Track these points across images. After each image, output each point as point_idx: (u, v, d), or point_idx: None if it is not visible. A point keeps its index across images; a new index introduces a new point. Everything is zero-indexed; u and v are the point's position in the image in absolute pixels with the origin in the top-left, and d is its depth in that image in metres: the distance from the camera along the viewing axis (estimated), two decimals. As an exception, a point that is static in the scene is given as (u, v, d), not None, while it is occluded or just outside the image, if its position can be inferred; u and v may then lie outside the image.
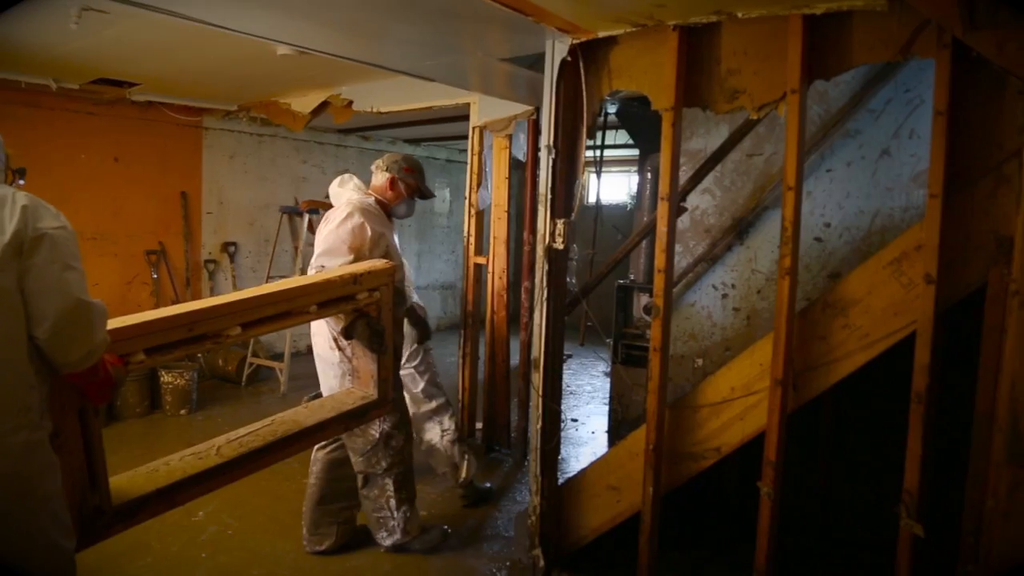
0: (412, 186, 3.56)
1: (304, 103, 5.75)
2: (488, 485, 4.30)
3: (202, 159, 6.78)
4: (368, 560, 3.47)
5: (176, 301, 6.50)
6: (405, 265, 3.60)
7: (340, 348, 3.26)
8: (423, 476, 4.12)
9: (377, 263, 3.07)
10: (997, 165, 2.38)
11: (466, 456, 4.09)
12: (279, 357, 6.43)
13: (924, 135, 3.09)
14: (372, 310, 3.02)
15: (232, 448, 2.79)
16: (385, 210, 3.51)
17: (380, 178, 3.55)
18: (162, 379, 5.49)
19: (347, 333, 3.08)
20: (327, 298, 2.82)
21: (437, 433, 4.08)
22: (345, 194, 3.47)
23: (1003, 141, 2.36)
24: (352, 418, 3.06)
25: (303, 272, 6.18)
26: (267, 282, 6.55)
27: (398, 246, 3.47)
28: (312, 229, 6.23)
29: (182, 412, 5.53)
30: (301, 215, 6.41)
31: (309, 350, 4.98)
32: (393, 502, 3.42)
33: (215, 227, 6.95)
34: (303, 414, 3.02)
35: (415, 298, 4.00)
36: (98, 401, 2.05)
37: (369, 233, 3.25)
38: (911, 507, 2.51)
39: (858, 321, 2.67)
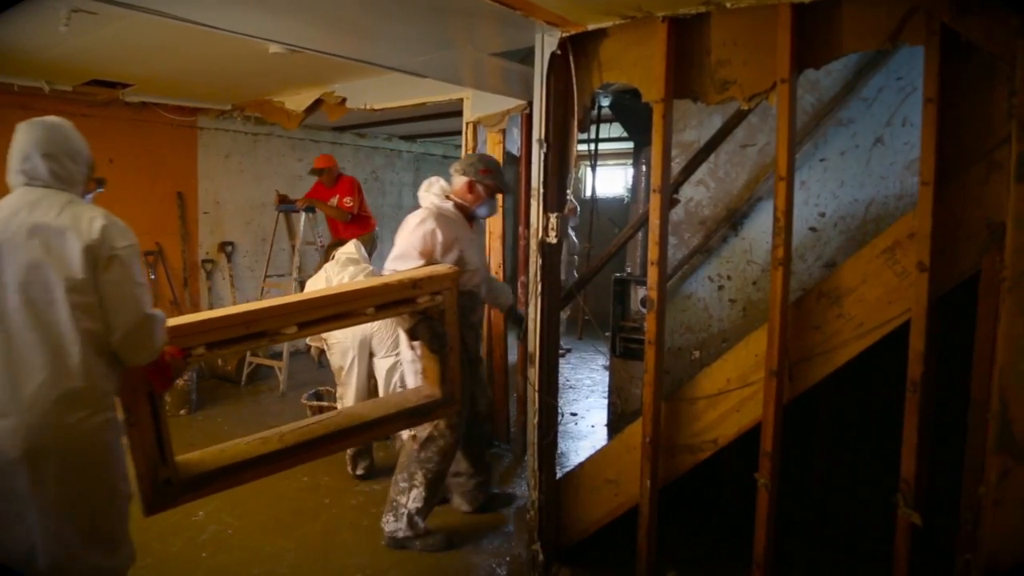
0: (491, 186, 3.60)
1: (298, 101, 5.74)
2: (499, 491, 4.17)
3: (197, 159, 6.77)
4: (368, 558, 3.48)
5: (174, 302, 6.51)
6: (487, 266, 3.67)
7: (412, 348, 3.43)
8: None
9: (440, 268, 3.16)
10: (988, 152, 2.37)
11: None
12: (278, 356, 6.43)
13: (917, 123, 3.07)
14: (434, 313, 3.11)
15: (295, 435, 2.97)
16: (465, 213, 3.58)
17: (458, 182, 3.61)
18: (161, 380, 5.49)
19: (411, 334, 3.20)
20: (385, 301, 2.96)
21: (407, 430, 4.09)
22: (427, 199, 3.58)
23: (994, 127, 2.35)
24: (415, 415, 3.19)
25: (300, 271, 6.19)
26: (264, 281, 6.56)
27: (482, 246, 3.49)
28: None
29: (181, 412, 5.53)
30: (298, 213, 6.41)
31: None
32: (413, 493, 3.47)
33: (212, 227, 6.95)
34: (368, 408, 3.21)
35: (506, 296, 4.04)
36: (160, 388, 2.39)
37: (440, 239, 3.35)
38: (908, 496, 2.50)
39: (853, 310, 2.67)
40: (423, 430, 3.47)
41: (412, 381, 3.53)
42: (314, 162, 6.54)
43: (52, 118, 2.36)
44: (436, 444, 3.46)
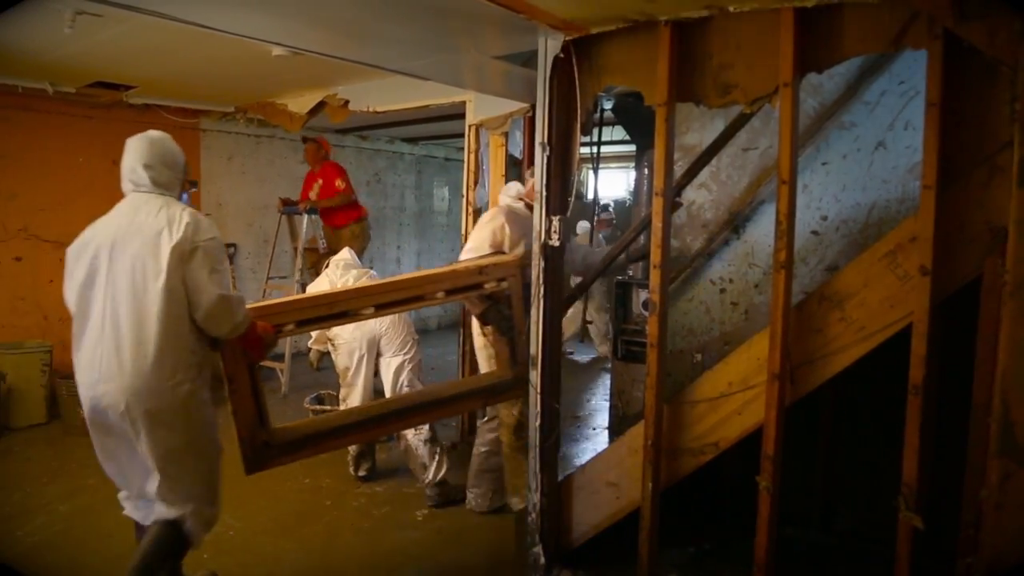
0: None
1: (301, 103, 5.76)
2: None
3: (200, 161, 6.79)
4: (369, 560, 3.48)
5: (176, 303, 6.50)
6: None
7: (485, 334, 3.68)
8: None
9: (505, 257, 3.41)
10: (991, 155, 2.37)
11: (436, 457, 4.08)
12: (280, 358, 6.43)
13: (919, 126, 3.06)
14: (500, 297, 3.40)
15: (376, 408, 3.28)
16: None
17: (530, 184, 3.77)
18: (163, 381, 5.49)
19: (483, 319, 3.52)
20: (455, 286, 3.28)
21: (411, 431, 4.10)
22: (503, 199, 3.96)
23: (996, 131, 2.35)
24: (486, 394, 3.45)
25: (302, 273, 6.20)
26: (267, 283, 6.57)
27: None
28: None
29: (183, 414, 5.53)
30: (300, 215, 6.41)
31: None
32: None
33: (215, 229, 6.95)
34: (443, 387, 3.58)
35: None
36: (256, 358, 2.93)
37: (508, 233, 3.66)
38: (910, 499, 2.50)
39: (854, 314, 2.67)
40: (511, 418, 3.75)
41: (484, 366, 3.75)
42: (332, 115, 6.05)
43: (153, 132, 2.83)
44: (524, 428, 3.57)
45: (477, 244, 3.66)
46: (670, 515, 3.16)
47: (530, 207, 3.67)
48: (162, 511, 2.69)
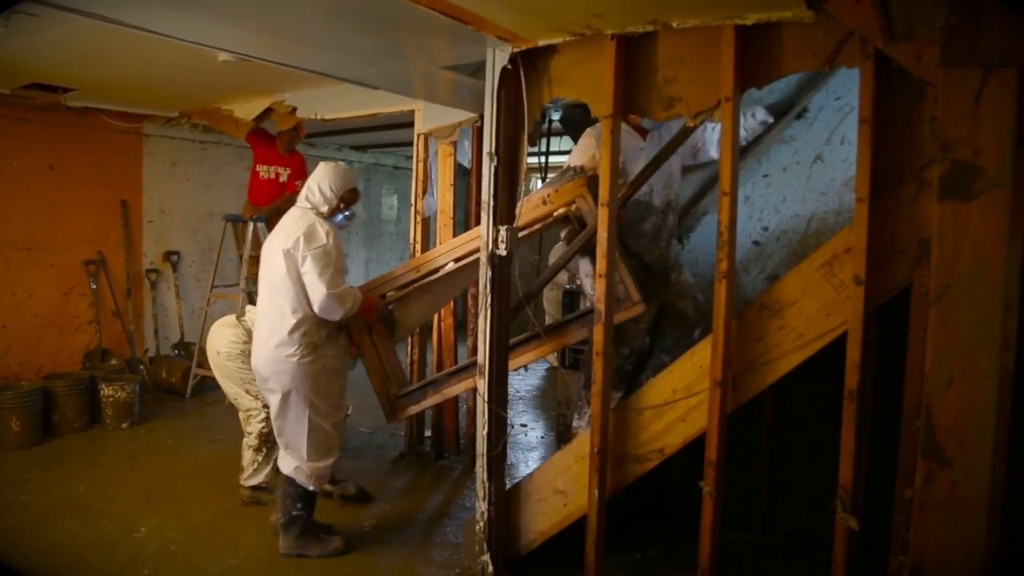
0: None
1: (247, 110, 5.67)
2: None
3: (143, 166, 6.63)
4: (317, 572, 3.44)
5: (117, 312, 6.35)
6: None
7: (590, 262, 3.46)
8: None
9: (568, 183, 3.46)
10: (919, 170, 2.47)
11: (255, 465, 4.09)
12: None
13: (855, 141, 3.19)
14: (574, 219, 3.52)
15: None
16: (641, 131, 3.68)
17: None
18: (102, 392, 5.35)
19: (569, 239, 3.65)
20: (525, 221, 3.44)
21: (245, 436, 4.18)
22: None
23: (924, 147, 2.46)
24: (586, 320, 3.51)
25: (247, 281, 6.08)
26: (211, 292, 6.44)
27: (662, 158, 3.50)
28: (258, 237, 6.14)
29: (123, 426, 5.39)
30: (246, 223, 6.30)
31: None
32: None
33: (157, 236, 6.81)
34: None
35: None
36: (370, 321, 3.67)
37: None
38: (846, 501, 2.59)
39: (793, 322, 2.75)
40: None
41: (589, 290, 3.66)
42: (280, 121, 5.91)
43: (332, 163, 3.52)
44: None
45: (570, 164, 3.60)
46: (617, 521, 3.20)
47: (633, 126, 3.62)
48: (280, 463, 3.52)
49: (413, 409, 3.67)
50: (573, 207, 3.46)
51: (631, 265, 3.42)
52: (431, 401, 3.70)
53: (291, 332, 3.31)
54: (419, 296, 3.83)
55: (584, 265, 3.63)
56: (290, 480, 3.46)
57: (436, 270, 3.72)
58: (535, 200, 3.46)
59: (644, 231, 3.58)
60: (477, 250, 3.34)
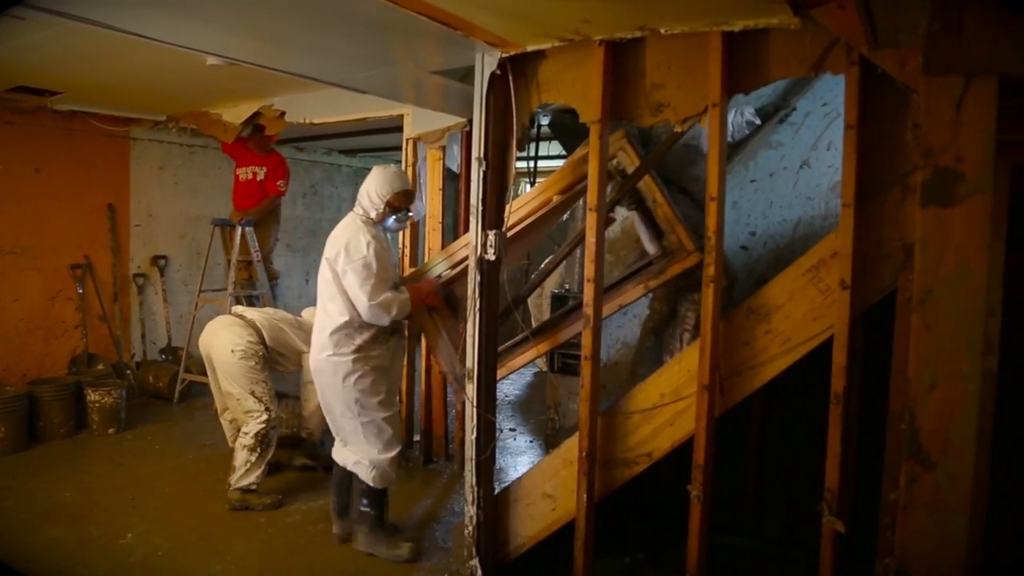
0: None
1: (235, 113, 5.66)
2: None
3: (130, 170, 6.59)
4: (304, 576, 3.43)
5: (103, 317, 6.31)
6: None
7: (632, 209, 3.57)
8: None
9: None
10: (904, 176, 2.50)
11: (247, 466, 4.10)
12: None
13: (841, 147, 3.23)
14: (618, 172, 3.44)
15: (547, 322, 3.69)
16: None
17: None
18: (89, 397, 5.31)
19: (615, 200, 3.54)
20: (567, 183, 3.41)
21: (240, 435, 4.18)
22: None
23: (908, 153, 2.48)
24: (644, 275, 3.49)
25: (235, 286, 6.06)
26: (199, 296, 6.41)
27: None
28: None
29: (110, 431, 5.36)
30: (233, 227, 6.28)
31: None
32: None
33: (144, 240, 6.77)
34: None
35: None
36: (436, 303, 3.76)
37: None
38: (832, 504, 2.60)
39: (780, 326, 2.77)
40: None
41: (648, 243, 3.63)
42: (268, 126, 5.88)
43: (384, 166, 3.54)
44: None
45: None
46: (605, 525, 3.21)
47: None
48: (336, 455, 3.63)
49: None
50: (614, 162, 3.41)
51: (680, 213, 3.34)
52: (503, 371, 3.64)
53: (332, 334, 3.42)
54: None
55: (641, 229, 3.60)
56: (353, 476, 3.56)
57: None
58: (573, 161, 3.36)
59: (695, 175, 3.53)
60: (528, 216, 3.36)
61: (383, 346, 3.53)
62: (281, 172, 6.19)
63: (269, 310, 4.84)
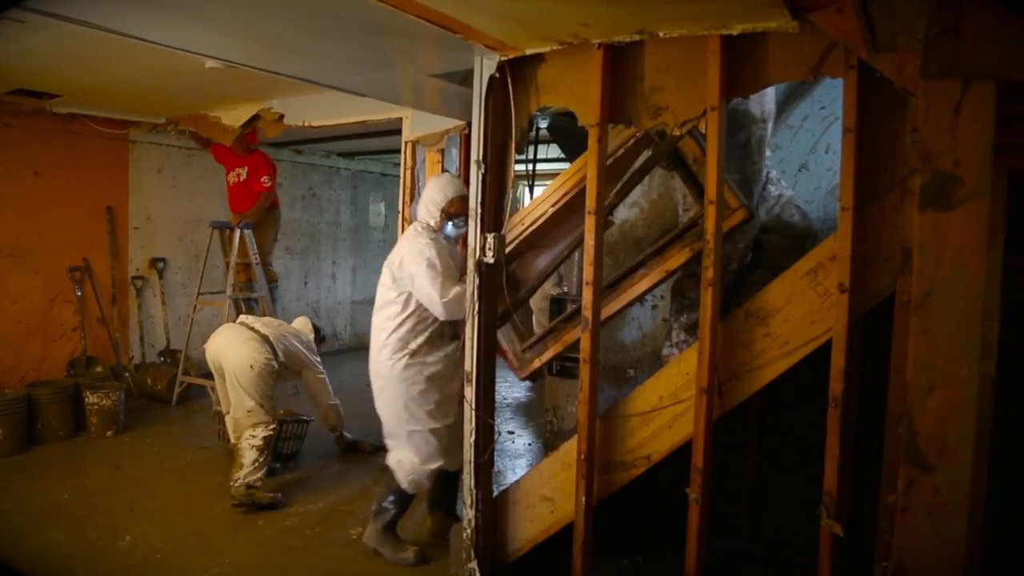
0: None
1: (234, 116, 5.67)
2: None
3: (129, 173, 6.60)
4: (302, 579, 3.43)
5: (102, 319, 6.31)
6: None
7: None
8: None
9: None
10: (902, 179, 2.51)
11: (255, 464, 4.11)
12: (211, 376, 6.26)
13: (839, 150, 3.23)
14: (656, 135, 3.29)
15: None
16: None
17: None
18: (87, 400, 5.31)
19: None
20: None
21: (245, 435, 4.18)
22: None
23: (907, 157, 2.49)
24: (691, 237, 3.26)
25: (234, 288, 6.06)
26: (198, 299, 6.41)
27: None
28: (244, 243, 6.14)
29: (108, 433, 5.35)
30: (232, 230, 6.28)
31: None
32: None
33: (143, 243, 6.78)
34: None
35: None
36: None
37: None
38: (831, 507, 2.60)
39: (779, 329, 2.77)
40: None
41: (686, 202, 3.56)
42: (267, 129, 5.82)
43: (436, 176, 3.83)
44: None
45: None
46: (604, 528, 3.21)
47: None
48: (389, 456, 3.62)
49: (537, 362, 3.62)
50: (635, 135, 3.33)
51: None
52: (552, 351, 3.62)
53: (388, 337, 3.49)
54: (534, 254, 3.76)
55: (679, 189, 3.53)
56: (391, 472, 3.58)
57: (539, 218, 3.59)
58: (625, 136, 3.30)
59: (739, 142, 3.38)
60: (569, 192, 3.34)
61: (438, 352, 3.53)
62: (263, 169, 6.19)
63: (272, 321, 4.92)
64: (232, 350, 4.31)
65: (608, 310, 3.30)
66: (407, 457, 3.53)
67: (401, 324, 3.47)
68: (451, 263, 3.49)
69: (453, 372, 3.56)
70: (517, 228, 3.51)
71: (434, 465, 3.55)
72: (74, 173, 6.15)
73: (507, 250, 3.51)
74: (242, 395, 4.23)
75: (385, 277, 3.55)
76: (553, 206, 3.50)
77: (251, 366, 4.24)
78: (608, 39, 2.84)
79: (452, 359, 3.57)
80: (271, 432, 4.22)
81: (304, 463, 4.98)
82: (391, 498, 3.58)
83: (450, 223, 3.57)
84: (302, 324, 5.04)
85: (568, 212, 3.51)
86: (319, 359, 4.95)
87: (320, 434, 5.25)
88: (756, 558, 3.70)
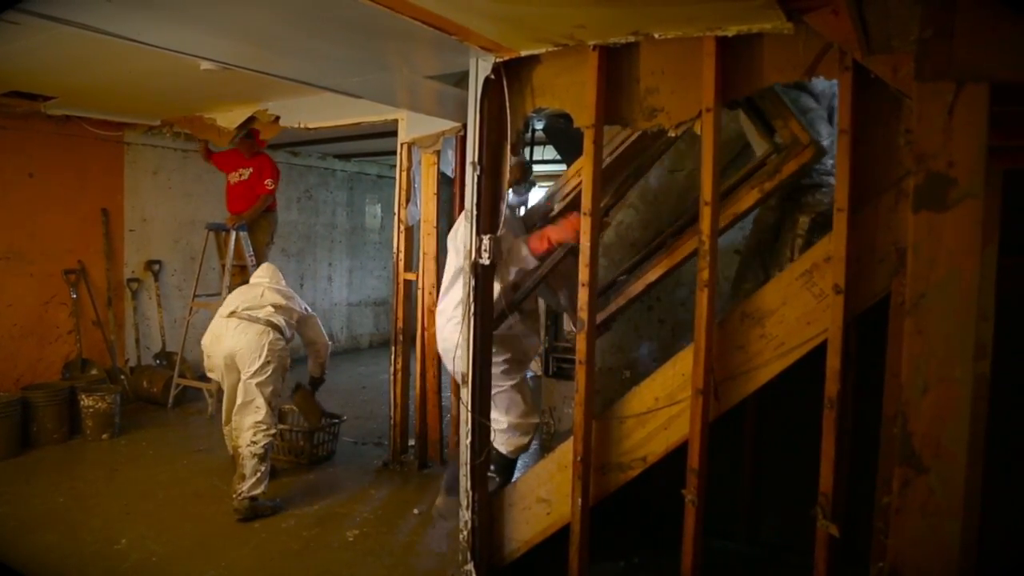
0: None
1: (230, 118, 5.66)
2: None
3: (124, 175, 6.59)
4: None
5: (97, 322, 6.30)
6: None
7: None
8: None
9: None
10: (897, 181, 2.51)
11: (258, 474, 4.05)
12: (207, 378, 6.26)
13: (833, 151, 3.24)
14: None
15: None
16: None
17: None
18: (82, 403, 5.29)
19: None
20: None
21: (246, 442, 4.10)
22: None
23: (901, 158, 2.50)
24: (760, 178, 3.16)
25: (230, 291, 6.03)
26: (193, 301, 6.40)
27: None
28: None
29: (104, 437, 5.33)
30: (228, 232, 6.27)
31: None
32: None
33: (138, 245, 6.76)
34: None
35: None
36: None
37: None
38: (826, 508, 2.61)
39: (774, 331, 2.77)
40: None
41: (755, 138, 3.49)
42: (263, 130, 5.86)
43: None
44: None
45: None
46: (600, 529, 3.20)
47: None
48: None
49: (600, 316, 3.42)
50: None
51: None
52: (614, 305, 3.55)
53: (456, 307, 3.48)
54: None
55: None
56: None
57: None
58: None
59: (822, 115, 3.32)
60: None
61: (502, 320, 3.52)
62: (268, 171, 6.18)
63: (253, 295, 4.55)
64: (247, 345, 4.18)
65: (661, 268, 3.33)
66: (501, 418, 3.58)
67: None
68: (512, 227, 3.52)
69: (526, 332, 3.66)
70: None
71: (525, 420, 3.65)
72: (69, 175, 6.13)
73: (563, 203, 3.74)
74: (255, 393, 4.15)
75: (451, 253, 3.63)
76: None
77: (267, 360, 4.16)
78: (603, 41, 2.84)
79: (509, 327, 3.57)
80: (271, 438, 4.18)
81: (303, 464, 4.97)
82: (492, 467, 3.56)
83: (511, 191, 3.59)
84: (270, 272, 4.84)
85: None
86: (300, 299, 4.78)
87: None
88: (752, 559, 3.70)
